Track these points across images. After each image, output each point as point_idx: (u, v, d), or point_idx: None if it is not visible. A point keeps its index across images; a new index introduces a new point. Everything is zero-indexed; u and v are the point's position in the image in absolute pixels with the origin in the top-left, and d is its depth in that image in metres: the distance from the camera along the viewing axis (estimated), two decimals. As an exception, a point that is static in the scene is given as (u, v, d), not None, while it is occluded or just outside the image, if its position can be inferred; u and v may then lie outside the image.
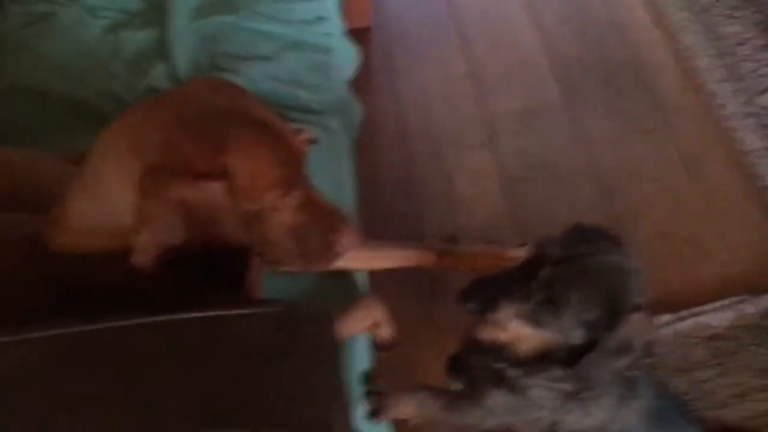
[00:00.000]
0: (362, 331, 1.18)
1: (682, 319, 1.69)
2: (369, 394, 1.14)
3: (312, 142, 1.36)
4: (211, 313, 0.71)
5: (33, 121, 1.41)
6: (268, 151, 0.84)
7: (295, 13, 1.66)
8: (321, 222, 0.92)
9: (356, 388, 1.14)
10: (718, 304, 1.71)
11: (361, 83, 2.36)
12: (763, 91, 2.18)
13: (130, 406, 0.64)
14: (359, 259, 1.25)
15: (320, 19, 1.66)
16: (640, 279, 1.05)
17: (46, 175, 1.14)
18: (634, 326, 1.01)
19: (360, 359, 1.17)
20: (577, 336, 1.02)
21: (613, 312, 1.00)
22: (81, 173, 0.85)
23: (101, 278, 0.83)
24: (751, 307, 1.69)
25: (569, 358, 1.07)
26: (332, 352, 0.74)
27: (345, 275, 1.25)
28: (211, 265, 0.85)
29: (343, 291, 1.22)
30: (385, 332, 1.23)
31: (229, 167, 0.81)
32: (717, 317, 1.68)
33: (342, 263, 1.22)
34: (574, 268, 1.00)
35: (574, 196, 2.00)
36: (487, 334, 1.07)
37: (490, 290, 1.04)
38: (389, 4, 2.59)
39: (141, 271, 0.80)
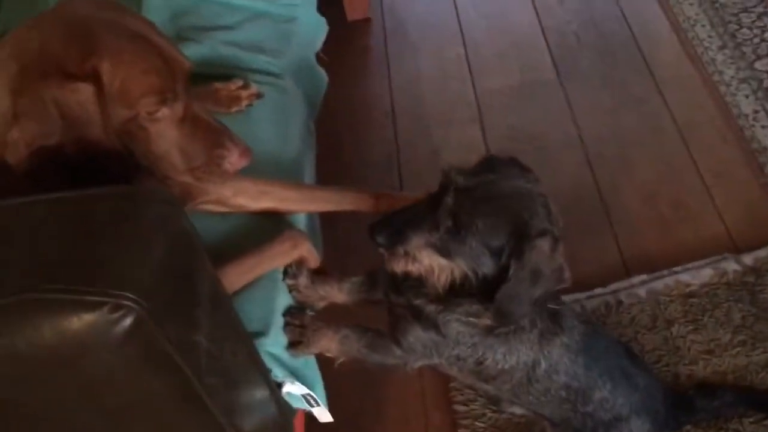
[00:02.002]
0: (287, 263, 1.20)
1: (661, 277, 1.64)
2: (288, 325, 1.16)
3: (257, 96, 1.42)
4: (58, 195, 0.75)
5: None
6: (140, 58, 0.89)
7: (263, -15, 1.72)
8: (206, 137, 0.97)
9: (279, 320, 1.16)
10: (698, 263, 1.65)
11: (358, 69, 2.43)
12: (760, 57, 2.11)
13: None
14: (294, 200, 1.28)
15: (287, -11, 1.72)
16: (548, 205, 1.03)
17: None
18: (541, 252, 0.99)
19: (285, 294, 1.20)
20: (486, 264, 1.01)
21: (519, 237, 0.98)
22: None
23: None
24: (732, 265, 1.62)
25: (485, 291, 1.07)
26: (176, 233, 0.76)
27: (281, 217, 1.28)
28: (92, 175, 0.90)
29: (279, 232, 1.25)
30: (313, 264, 1.25)
31: (100, 70, 0.86)
32: (695, 275, 1.62)
33: (276, 204, 1.27)
34: (478, 195, 1.00)
35: (558, 165, 1.98)
36: (399, 266, 1.05)
37: (399, 223, 1.04)
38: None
39: (15, 171, 0.86)
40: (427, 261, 1.04)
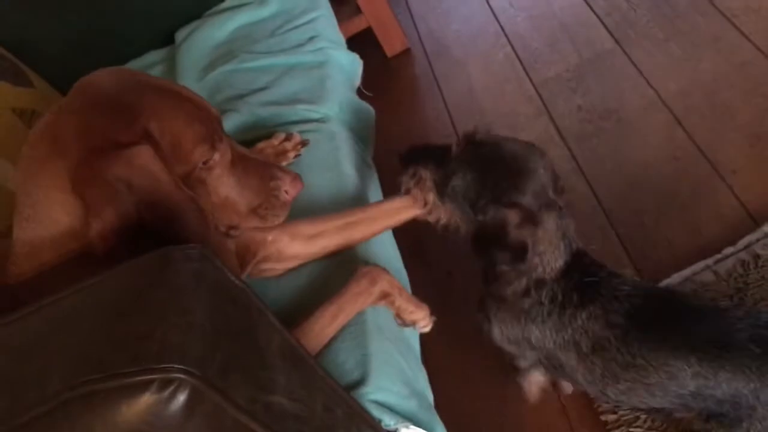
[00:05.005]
0: (372, 304, 1.09)
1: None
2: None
3: (303, 144, 1.36)
4: (96, 278, 0.69)
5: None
6: (179, 111, 0.86)
7: (288, 41, 1.70)
8: (258, 173, 0.97)
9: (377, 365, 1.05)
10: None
11: (410, 100, 2.36)
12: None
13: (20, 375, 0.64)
14: (353, 223, 1.19)
15: (312, 38, 1.69)
16: (545, 182, 1.04)
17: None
18: (504, 221, 0.99)
19: (378, 336, 1.08)
20: (465, 215, 1.08)
21: (490, 194, 1.01)
22: (16, 202, 0.88)
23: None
24: None
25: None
26: (217, 288, 0.68)
27: (353, 256, 1.19)
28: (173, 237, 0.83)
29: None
30: (403, 303, 1.13)
31: (151, 129, 0.83)
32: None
33: (337, 239, 1.18)
34: (482, 152, 1.06)
35: (645, 132, 1.80)
36: (407, 184, 1.14)
37: (421, 154, 1.15)
38: (422, 24, 2.59)
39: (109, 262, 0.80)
40: (430, 196, 1.12)
